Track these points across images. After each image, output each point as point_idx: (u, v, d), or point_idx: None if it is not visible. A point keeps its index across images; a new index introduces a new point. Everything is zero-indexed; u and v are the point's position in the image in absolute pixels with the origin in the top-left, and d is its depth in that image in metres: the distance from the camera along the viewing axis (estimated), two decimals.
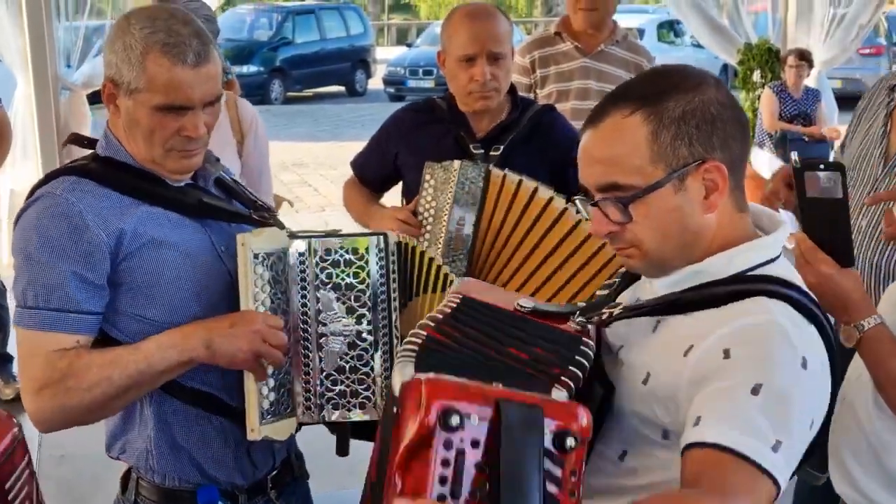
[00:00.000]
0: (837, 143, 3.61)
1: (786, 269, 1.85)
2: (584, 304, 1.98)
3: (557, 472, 1.43)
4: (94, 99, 4.21)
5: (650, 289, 1.89)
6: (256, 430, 2.22)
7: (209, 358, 2.18)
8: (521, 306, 1.91)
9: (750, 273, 1.80)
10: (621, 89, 1.86)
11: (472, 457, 1.41)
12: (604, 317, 1.88)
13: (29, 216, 2.22)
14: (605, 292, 2.02)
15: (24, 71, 7.86)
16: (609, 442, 1.87)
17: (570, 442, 1.43)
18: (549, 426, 1.44)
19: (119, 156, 2.29)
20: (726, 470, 1.56)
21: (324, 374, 2.32)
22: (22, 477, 3.24)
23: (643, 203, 1.76)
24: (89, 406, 2.17)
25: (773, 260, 1.83)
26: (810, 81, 9.66)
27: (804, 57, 9.47)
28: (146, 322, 2.23)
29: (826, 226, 2.10)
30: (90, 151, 2.38)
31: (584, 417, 1.48)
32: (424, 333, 1.80)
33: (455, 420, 1.39)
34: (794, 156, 2.12)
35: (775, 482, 1.58)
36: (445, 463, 1.40)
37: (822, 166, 2.05)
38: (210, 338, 2.17)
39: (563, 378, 1.67)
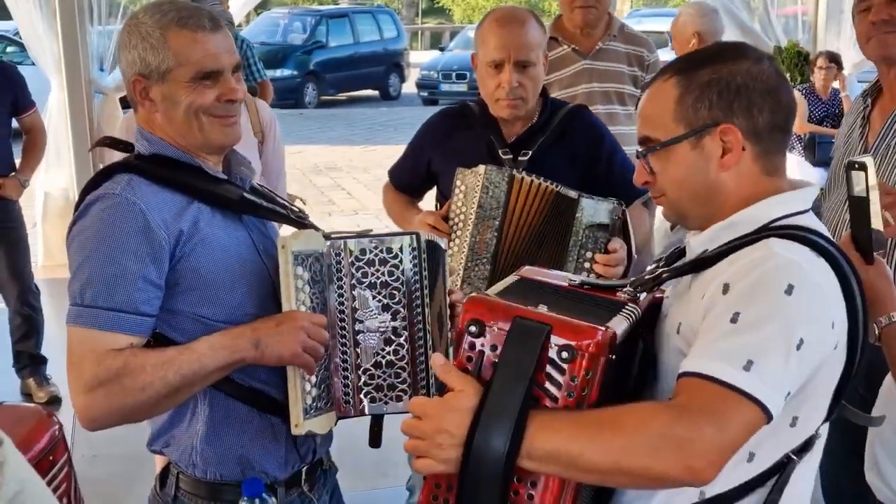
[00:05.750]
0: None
1: (814, 223, 1.97)
2: (632, 279, 2.13)
3: (559, 377, 1.78)
4: (127, 103, 4.28)
5: (689, 252, 2.08)
6: (301, 424, 2.28)
7: (258, 357, 2.23)
8: (572, 280, 2.13)
9: (777, 224, 1.93)
10: (677, 59, 2.11)
11: (491, 356, 1.82)
12: (649, 285, 2.09)
13: (90, 217, 2.22)
14: (652, 267, 2.18)
15: (57, 75, 7.94)
16: (661, 395, 2.02)
17: (569, 354, 1.77)
18: (556, 342, 1.78)
19: (160, 148, 2.32)
20: (693, 390, 1.75)
21: (361, 369, 2.38)
22: (60, 474, 3.29)
23: (664, 156, 1.99)
24: (143, 405, 2.19)
25: (802, 212, 1.97)
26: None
27: (834, 59, 9.44)
28: (203, 322, 2.27)
29: (855, 222, 2.23)
30: (125, 155, 2.39)
31: (594, 338, 1.77)
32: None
33: (474, 328, 1.83)
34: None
35: (752, 399, 1.72)
36: (469, 359, 1.84)
37: (857, 165, 2.19)
38: (258, 338, 2.22)
39: (625, 308, 1.96)
